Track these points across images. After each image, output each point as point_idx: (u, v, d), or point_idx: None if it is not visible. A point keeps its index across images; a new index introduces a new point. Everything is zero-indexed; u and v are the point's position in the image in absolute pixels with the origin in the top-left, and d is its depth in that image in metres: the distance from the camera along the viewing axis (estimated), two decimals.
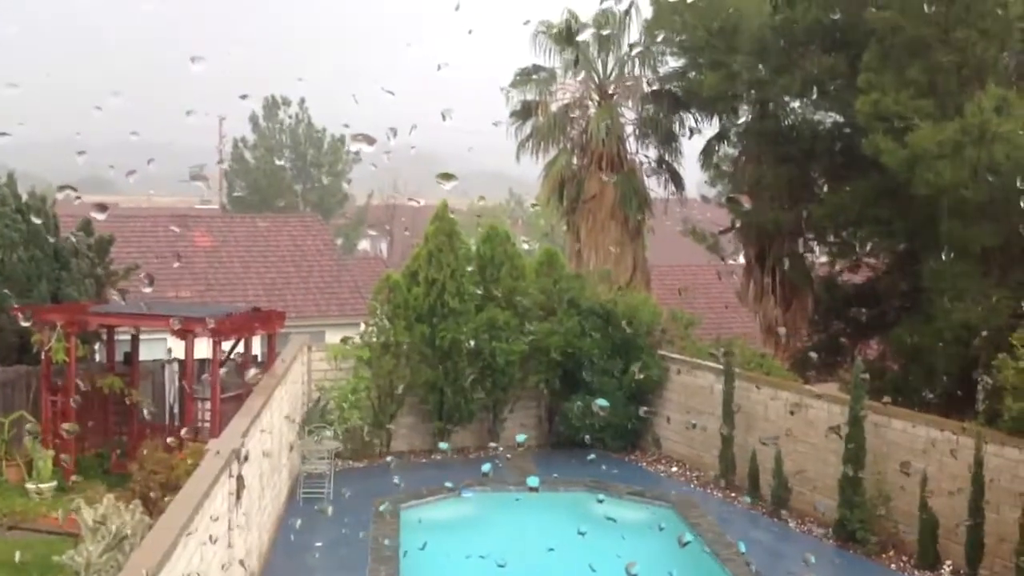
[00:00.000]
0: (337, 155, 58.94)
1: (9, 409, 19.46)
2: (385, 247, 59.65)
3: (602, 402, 17.46)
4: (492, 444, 20.32)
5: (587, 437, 19.58)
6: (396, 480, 17.49)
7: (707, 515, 16.31)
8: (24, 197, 21.16)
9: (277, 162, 55.36)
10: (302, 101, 58.16)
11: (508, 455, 19.84)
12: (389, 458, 19.84)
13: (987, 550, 13.29)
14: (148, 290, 20.55)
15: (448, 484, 16.75)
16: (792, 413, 16.63)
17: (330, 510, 14.54)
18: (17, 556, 12.44)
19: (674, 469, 19.57)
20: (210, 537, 9.58)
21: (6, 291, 19.45)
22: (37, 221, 20.27)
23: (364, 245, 61.06)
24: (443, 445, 19.48)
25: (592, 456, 18.44)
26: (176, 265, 29.60)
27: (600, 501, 15.34)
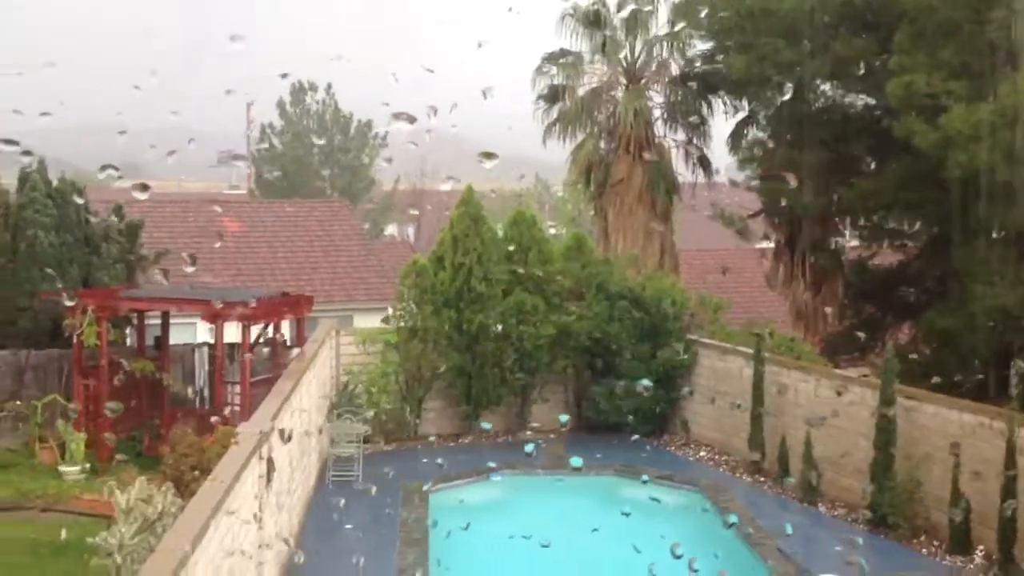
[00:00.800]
0: (364, 140, 59.02)
1: (42, 392, 19.68)
2: (412, 232, 59.72)
3: (646, 381, 17.33)
4: (534, 424, 20.18)
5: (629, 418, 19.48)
6: (440, 461, 17.46)
7: (736, 499, 16.25)
8: (55, 183, 21.31)
9: (306, 158, 55.51)
10: (329, 86, 58.27)
11: (542, 441, 19.81)
12: (432, 438, 19.86)
13: (1020, 535, 13.16)
14: (191, 269, 20.67)
15: (491, 464, 16.74)
16: (839, 394, 16.43)
17: (373, 490, 14.56)
18: (63, 533, 12.49)
19: (703, 453, 19.51)
20: (244, 517, 9.63)
21: (49, 270, 19.62)
22: (79, 201, 20.40)
23: (391, 230, 61.17)
24: (485, 425, 19.38)
25: (636, 437, 18.41)
26: (218, 245, 29.76)
27: (644, 482, 15.32)
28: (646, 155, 24.90)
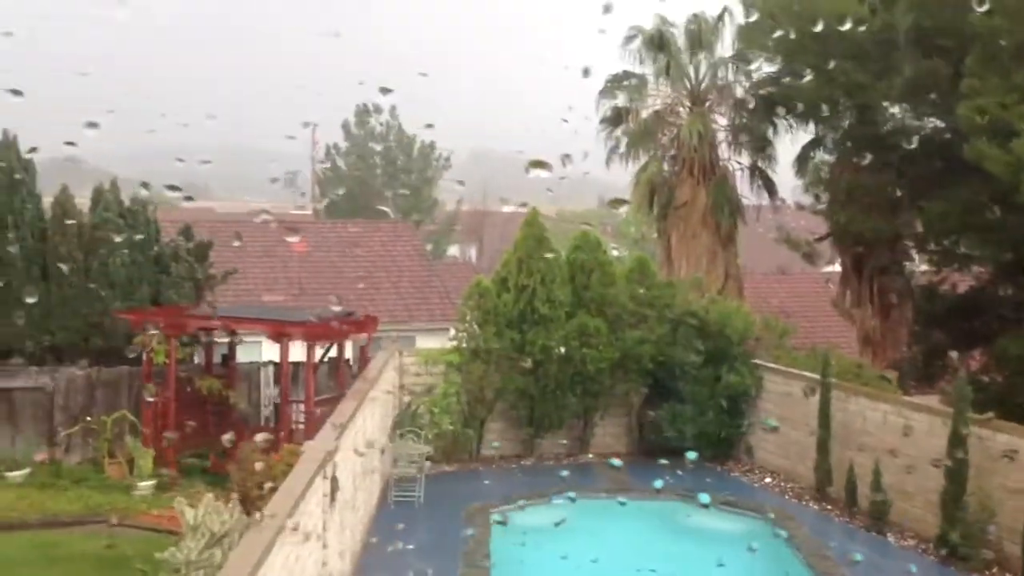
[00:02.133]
0: (427, 161, 59.49)
1: (111, 409, 20.03)
2: (474, 253, 59.95)
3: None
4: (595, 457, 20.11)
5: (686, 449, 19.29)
6: (486, 481, 17.46)
7: (802, 527, 16.00)
8: (127, 202, 21.72)
9: (370, 179, 56.05)
10: (393, 108, 58.88)
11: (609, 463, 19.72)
12: (528, 460, 19.90)
13: None
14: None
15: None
16: (906, 435, 16.15)
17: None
18: (157, 556, 12.49)
19: (768, 480, 19.25)
20: (305, 535, 9.69)
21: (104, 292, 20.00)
22: (151, 220, 20.70)
23: (453, 251, 61.48)
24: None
25: (692, 455, 18.22)
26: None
27: (705, 505, 15.21)
28: (734, 162, 24.56)
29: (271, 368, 21.37)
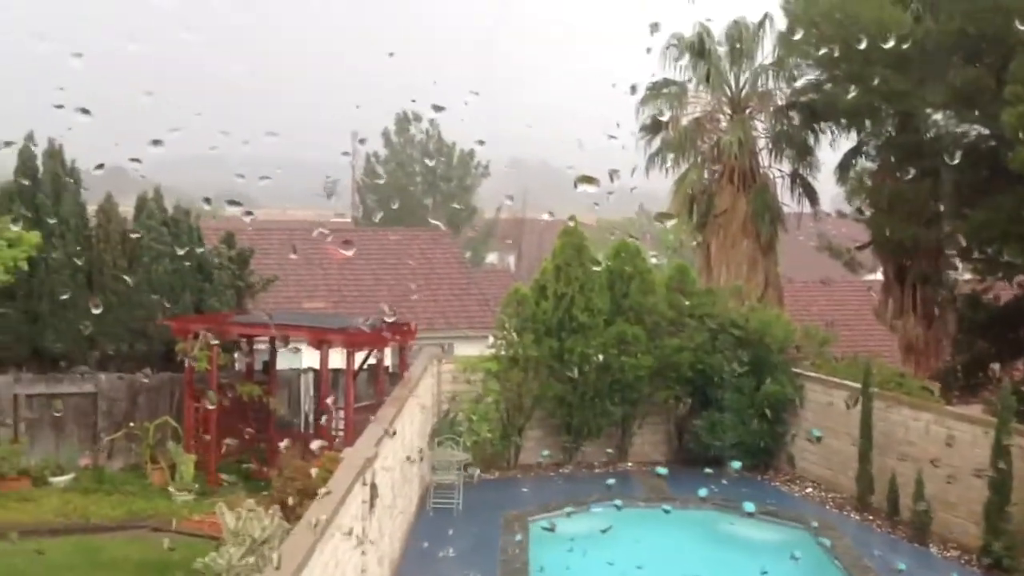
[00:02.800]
0: (466, 169, 59.61)
1: (154, 415, 20.26)
2: (513, 261, 59.99)
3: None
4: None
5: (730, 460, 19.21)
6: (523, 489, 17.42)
7: (844, 537, 15.85)
8: (170, 211, 21.98)
9: (410, 187, 56.30)
10: (432, 117, 59.01)
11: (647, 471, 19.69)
12: (567, 468, 19.89)
13: None
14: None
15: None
16: (949, 445, 15.97)
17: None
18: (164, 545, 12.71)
19: (809, 490, 19.09)
20: (349, 533, 9.74)
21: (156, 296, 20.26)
22: (193, 228, 20.92)
23: (492, 258, 61.53)
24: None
25: (737, 464, 18.09)
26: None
27: (750, 514, 15.13)
28: (776, 169, 24.40)
29: (311, 375, 21.52)
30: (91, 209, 21.65)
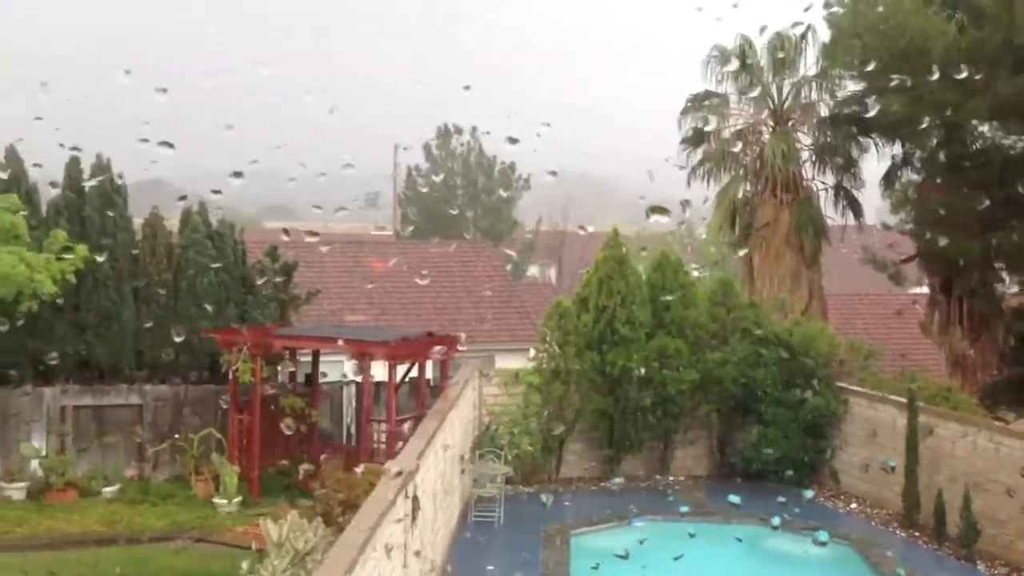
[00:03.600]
0: (507, 182, 59.71)
1: (198, 426, 20.44)
2: (554, 273, 59.97)
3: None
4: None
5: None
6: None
7: (889, 554, 15.65)
8: (214, 224, 22.19)
9: (451, 211, 56.51)
10: (474, 129, 59.22)
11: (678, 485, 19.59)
12: (617, 479, 19.82)
13: None
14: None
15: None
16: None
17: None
18: (244, 567, 12.64)
19: (853, 505, 18.87)
20: (390, 548, 9.75)
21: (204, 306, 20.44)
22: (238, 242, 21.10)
23: (533, 271, 61.54)
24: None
25: (809, 492, 17.91)
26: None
27: (775, 528, 14.99)
28: (818, 183, 24.16)
29: (353, 387, 21.62)
30: (137, 222, 21.91)
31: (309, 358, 21.63)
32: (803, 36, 25.82)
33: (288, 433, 18.53)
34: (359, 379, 20.12)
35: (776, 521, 16.56)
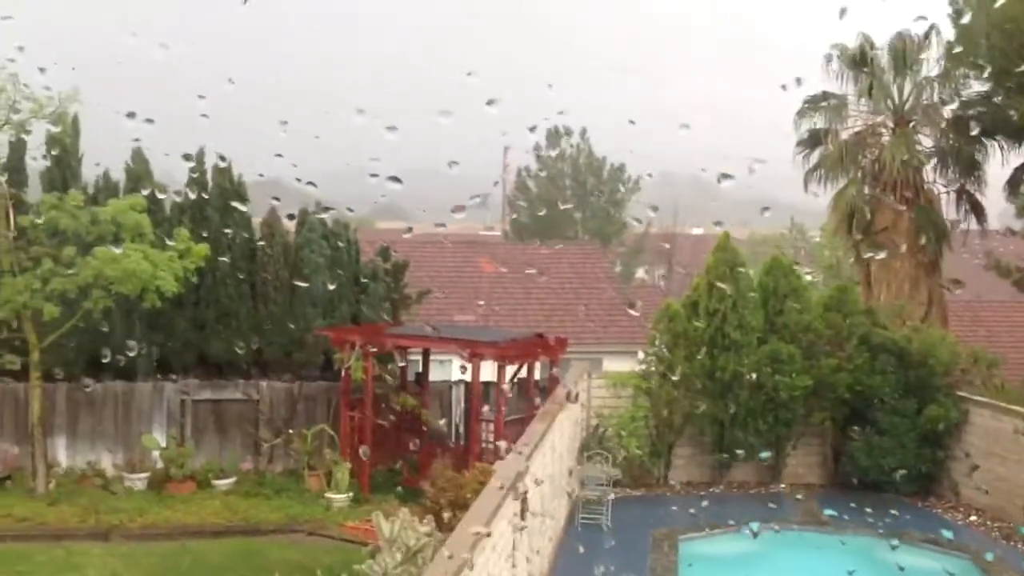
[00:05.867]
0: (616, 183, 59.46)
1: (312, 422, 20.85)
2: (663, 276, 59.49)
3: None
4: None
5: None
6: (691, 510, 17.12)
7: (1009, 570, 15.11)
8: (329, 224, 22.57)
9: (561, 206, 56.53)
10: (583, 131, 59.13)
11: (798, 495, 19.24)
12: (717, 487, 19.78)
13: None
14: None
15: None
16: None
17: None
18: (355, 567, 12.77)
19: (972, 518, 18.29)
20: (496, 550, 9.80)
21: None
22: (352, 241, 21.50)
23: (641, 273, 61.15)
24: (895, 543, 18.22)
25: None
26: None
27: (894, 547, 14.57)
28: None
29: (463, 387, 21.79)
30: (255, 222, 22.45)
31: (419, 357, 21.88)
32: (926, 35, 25.07)
33: (398, 431, 18.80)
34: (468, 379, 20.25)
35: (894, 542, 16.10)
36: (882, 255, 24.10)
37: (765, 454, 18.98)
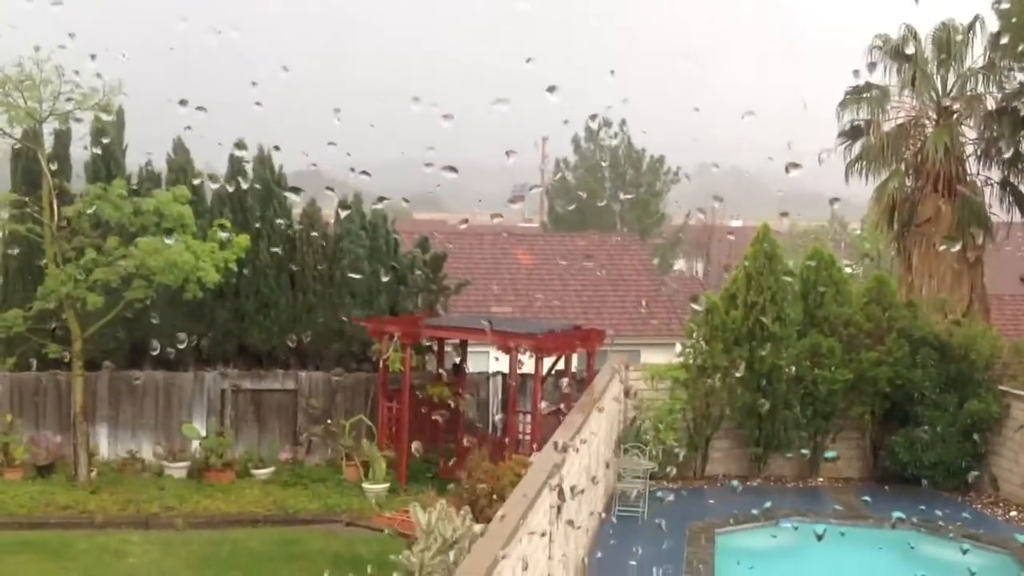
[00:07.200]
0: (655, 175, 59.23)
1: (350, 413, 21.00)
2: (701, 267, 59.24)
3: None
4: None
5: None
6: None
7: None
8: (368, 215, 22.68)
9: (599, 203, 56.47)
10: (623, 122, 58.89)
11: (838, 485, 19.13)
12: (734, 482, 19.71)
13: None
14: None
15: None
16: None
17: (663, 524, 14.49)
18: (392, 558, 12.91)
19: (1013, 513, 18.10)
20: (538, 535, 9.83)
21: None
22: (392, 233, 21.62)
23: (680, 265, 60.94)
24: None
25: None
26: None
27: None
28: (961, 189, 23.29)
29: (500, 378, 21.83)
30: (295, 212, 22.60)
31: (450, 348, 21.97)
32: (970, 26, 24.75)
33: (436, 420, 18.89)
34: (505, 370, 20.29)
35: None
36: (957, 247, 23.84)
37: (830, 454, 18.72)
